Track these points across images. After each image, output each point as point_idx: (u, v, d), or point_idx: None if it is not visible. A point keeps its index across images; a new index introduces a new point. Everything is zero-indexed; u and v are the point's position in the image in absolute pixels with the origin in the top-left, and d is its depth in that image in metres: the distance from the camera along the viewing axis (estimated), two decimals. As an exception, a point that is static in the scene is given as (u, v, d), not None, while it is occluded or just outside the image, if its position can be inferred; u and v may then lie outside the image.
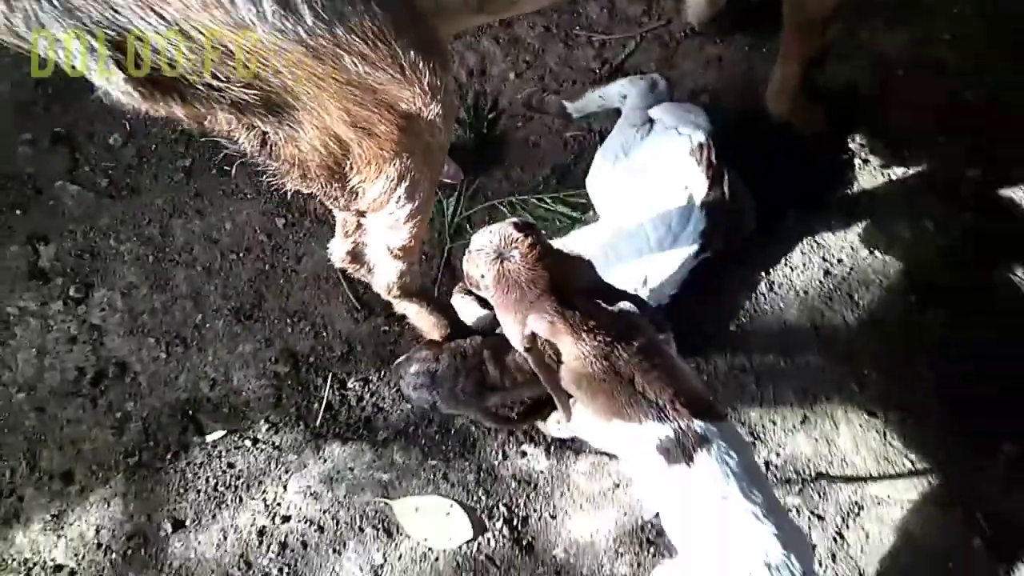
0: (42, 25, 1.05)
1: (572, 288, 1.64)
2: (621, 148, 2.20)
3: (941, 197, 2.33)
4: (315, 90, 1.21)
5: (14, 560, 2.10)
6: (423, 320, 2.05)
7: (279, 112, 1.25)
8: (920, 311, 2.22)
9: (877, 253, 2.29)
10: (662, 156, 2.13)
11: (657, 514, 1.93)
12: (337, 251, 1.82)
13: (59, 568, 2.09)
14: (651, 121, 2.22)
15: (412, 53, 1.22)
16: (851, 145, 2.40)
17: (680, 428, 1.53)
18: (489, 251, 1.66)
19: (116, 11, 1.05)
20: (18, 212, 2.48)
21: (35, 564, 2.09)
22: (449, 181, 2.35)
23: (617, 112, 2.32)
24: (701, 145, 2.10)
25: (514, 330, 1.67)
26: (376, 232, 1.67)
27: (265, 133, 1.30)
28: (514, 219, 1.74)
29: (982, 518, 1.99)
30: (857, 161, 2.38)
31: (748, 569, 1.43)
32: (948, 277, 2.25)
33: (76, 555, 2.10)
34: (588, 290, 1.68)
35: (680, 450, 1.51)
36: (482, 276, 1.69)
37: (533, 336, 1.63)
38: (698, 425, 1.53)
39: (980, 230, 2.30)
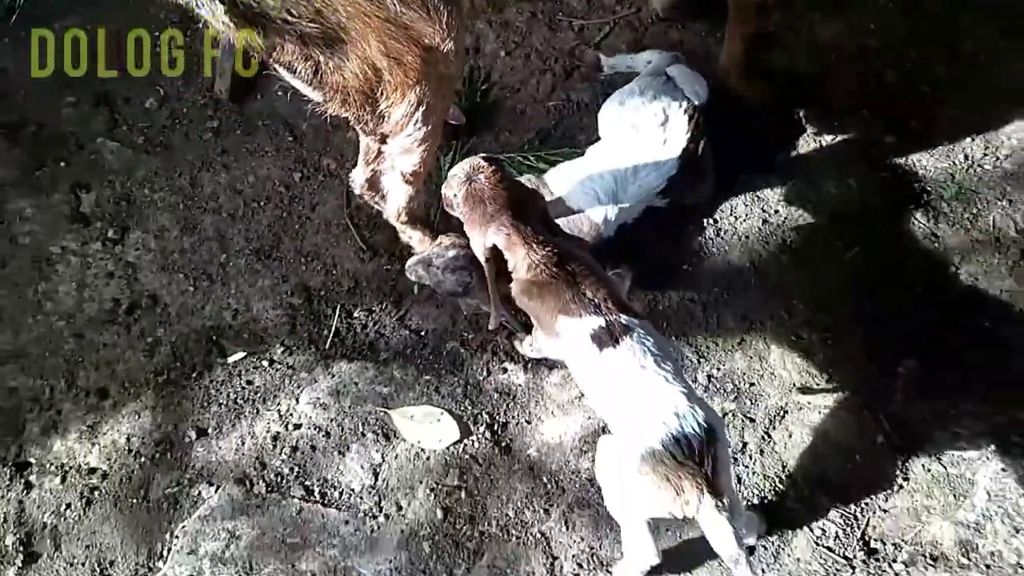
0: None
1: (527, 211, 1.93)
2: (638, 89, 2.47)
3: (863, 160, 2.54)
4: (362, 26, 1.52)
5: (51, 465, 2.27)
6: (426, 246, 2.28)
7: (332, 45, 1.56)
8: (841, 253, 2.42)
9: (808, 206, 2.48)
10: (663, 104, 2.41)
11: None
12: (358, 178, 2.08)
13: (93, 471, 2.25)
14: (667, 76, 2.50)
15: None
16: (791, 118, 2.63)
17: (610, 319, 1.79)
18: (461, 176, 1.97)
19: None
20: (62, 164, 2.69)
21: (71, 468, 2.26)
22: (453, 122, 2.59)
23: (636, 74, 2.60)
24: (695, 108, 2.40)
25: (478, 242, 1.94)
26: (393, 158, 1.95)
27: (318, 63, 1.60)
28: (483, 153, 2.04)
29: (885, 420, 2.15)
30: (795, 131, 2.60)
31: (661, 419, 1.67)
32: (865, 226, 2.45)
33: (109, 459, 2.26)
34: (542, 216, 1.97)
35: (609, 336, 1.78)
36: (454, 195, 1.99)
37: (493, 247, 1.89)
38: (624, 318, 1.80)
39: (892, 187, 2.51)
